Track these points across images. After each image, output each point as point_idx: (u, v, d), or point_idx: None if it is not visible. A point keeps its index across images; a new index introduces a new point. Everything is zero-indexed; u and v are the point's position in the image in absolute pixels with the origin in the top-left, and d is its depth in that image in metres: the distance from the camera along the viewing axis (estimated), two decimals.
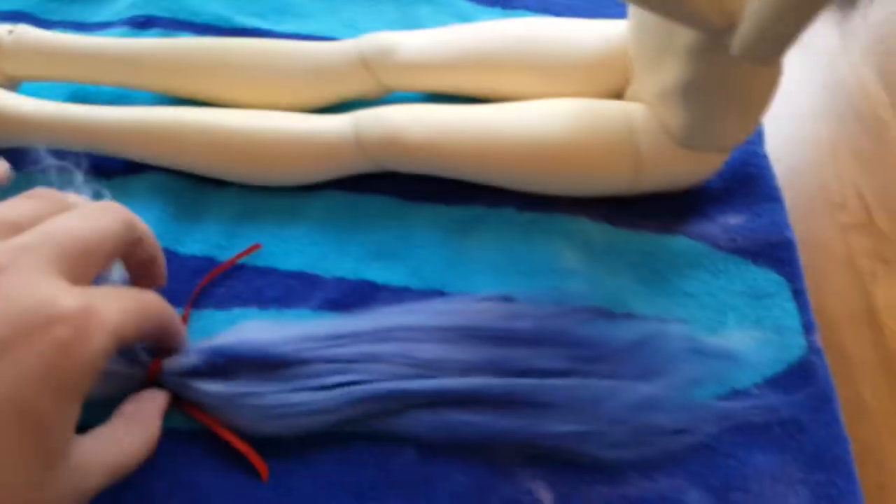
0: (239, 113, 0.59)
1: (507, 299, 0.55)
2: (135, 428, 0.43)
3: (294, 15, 0.74)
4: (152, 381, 0.48)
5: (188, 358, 0.48)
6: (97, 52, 0.61)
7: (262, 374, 0.48)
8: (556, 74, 0.64)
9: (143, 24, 0.70)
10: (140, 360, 0.48)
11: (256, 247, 0.57)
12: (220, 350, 0.48)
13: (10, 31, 0.60)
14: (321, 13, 0.74)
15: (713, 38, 0.47)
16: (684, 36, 0.50)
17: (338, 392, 0.48)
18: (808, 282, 0.59)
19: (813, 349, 0.53)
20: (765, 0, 0.42)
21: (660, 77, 0.56)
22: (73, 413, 0.35)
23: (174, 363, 0.47)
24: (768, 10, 0.42)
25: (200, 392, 0.47)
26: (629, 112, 0.58)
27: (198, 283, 0.55)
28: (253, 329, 0.50)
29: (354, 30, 0.73)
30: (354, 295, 0.56)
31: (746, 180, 0.64)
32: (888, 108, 0.74)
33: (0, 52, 0.60)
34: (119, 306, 0.38)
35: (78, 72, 0.62)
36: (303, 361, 0.49)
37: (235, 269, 0.57)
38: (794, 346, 0.54)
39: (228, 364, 0.47)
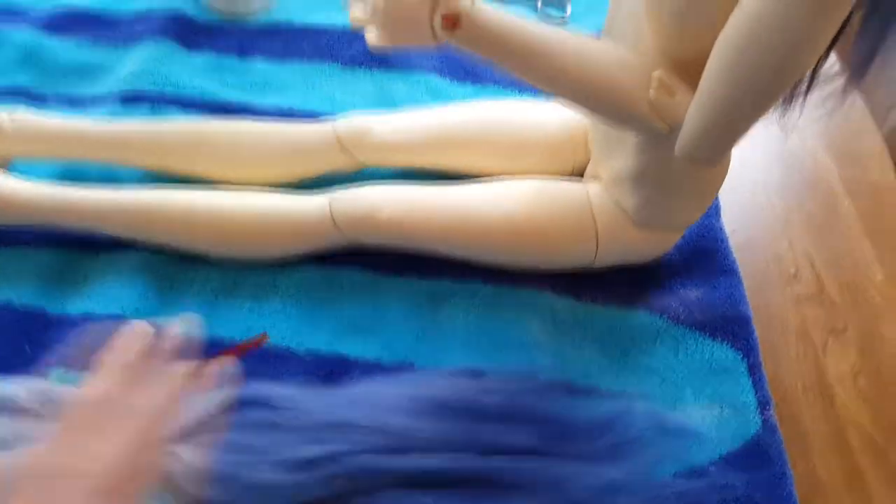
0: (220, 193, 0.62)
1: (476, 374, 0.57)
2: None
3: (275, 89, 0.77)
4: None
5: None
6: (89, 134, 0.64)
7: (240, 438, 0.50)
8: (519, 154, 0.67)
9: (132, 99, 0.73)
10: None
11: (264, 337, 0.59)
12: (203, 415, 0.50)
13: (11, 117, 0.64)
14: (302, 88, 0.78)
15: (656, 139, 0.51)
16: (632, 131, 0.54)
17: (310, 471, 0.49)
18: (763, 353, 0.62)
19: (768, 426, 0.56)
20: (702, 108, 0.45)
21: (613, 163, 0.59)
22: None
23: None
24: (706, 118, 0.45)
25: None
26: (588, 192, 0.62)
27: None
28: (231, 394, 0.52)
29: (332, 103, 0.76)
30: (328, 368, 0.58)
31: (703, 253, 0.67)
32: (837, 178, 0.78)
33: (2, 135, 0.63)
34: None
35: (72, 151, 0.65)
36: (276, 425, 0.51)
37: (216, 347, 0.59)
38: (750, 422, 0.56)
39: (209, 427, 0.50)
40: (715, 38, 0.44)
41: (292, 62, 0.80)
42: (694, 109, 0.46)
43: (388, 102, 0.77)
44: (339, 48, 0.81)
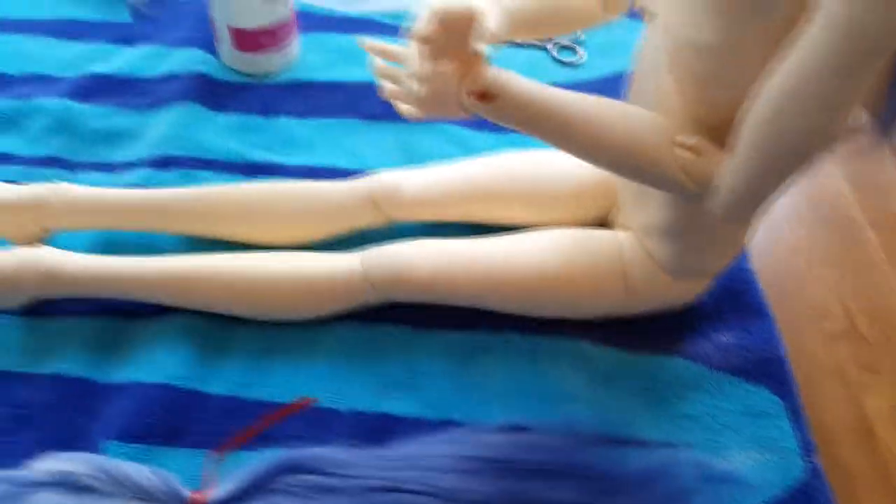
0: (254, 257, 0.63)
1: (519, 429, 0.58)
2: None
3: (302, 147, 0.79)
4: None
5: (225, 488, 0.51)
6: (129, 205, 0.65)
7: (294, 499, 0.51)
8: (546, 204, 0.68)
9: (163, 163, 0.75)
10: (181, 495, 0.51)
11: (310, 399, 0.60)
12: (255, 479, 0.51)
13: (55, 191, 0.65)
14: (326, 144, 0.79)
15: (687, 199, 0.52)
16: None
17: None
18: (802, 396, 0.62)
19: (813, 471, 0.56)
20: (737, 172, 0.46)
21: (643, 214, 0.60)
22: None
23: (214, 495, 0.51)
24: (741, 181, 0.46)
25: None
26: (619, 241, 0.63)
27: (230, 426, 0.58)
28: (283, 457, 0.54)
29: (357, 158, 0.78)
30: (372, 427, 0.59)
31: (734, 296, 0.68)
32: (859, 209, 0.79)
33: (47, 209, 0.64)
34: None
35: (112, 221, 0.66)
36: (330, 489, 0.52)
37: (260, 409, 0.60)
38: (794, 467, 0.56)
39: (262, 491, 0.51)
40: (740, 104, 0.45)
41: (315, 118, 0.82)
42: (728, 172, 0.47)
43: (411, 154, 0.79)
44: (359, 103, 0.83)
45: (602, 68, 0.89)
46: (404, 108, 0.56)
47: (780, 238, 0.76)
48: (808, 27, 0.40)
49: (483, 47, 0.43)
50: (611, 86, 0.87)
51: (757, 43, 0.44)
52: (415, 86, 0.46)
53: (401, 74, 0.54)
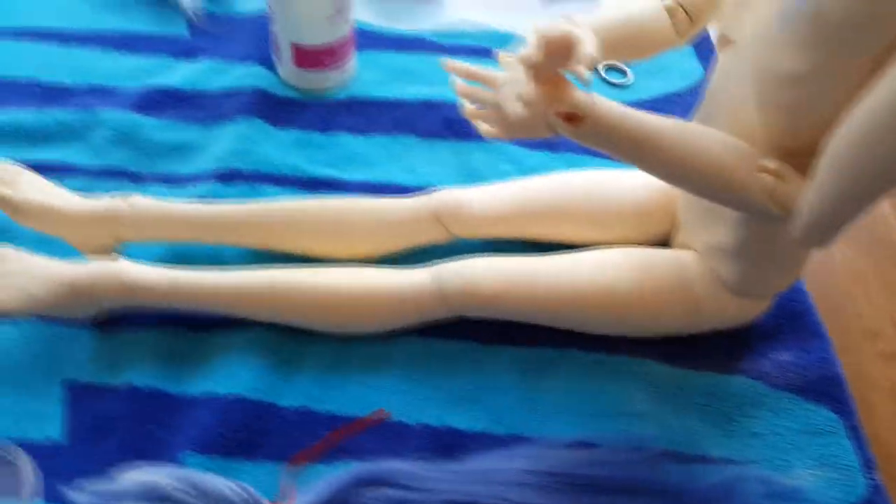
0: (330, 271, 0.65)
1: (587, 445, 0.59)
2: None
3: (361, 163, 0.80)
4: None
5: (305, 500, 0.53)
6: (200, 218, 0.67)
7: None
8: (607, 223, 0.70)
9: (228, 177, 0.77)
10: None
11: (383, 413, 0.61)
12: (334, 491, 0.53)
13: (129, 203, 0.67)
14: (385, 161, 0.81)
15: (767, 221, 0.53)
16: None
17: None
18: (859, 413, 0.63)
19: (874, 488, 0.57)
20: (822, 199, 0.47)
21: (710, 235, 0.62)
22: None
23: None
24: (825, 207, 0.47)
25: None
26: (683, 261, 0.64)
27: (303, 439, 0.59)
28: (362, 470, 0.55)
29: (415, 175, 0.80)
30: (441, 441, 0.60)
31: (792, 316, 0.69)
32: None
33: (120, 221, 0.66)
34: None
35: (183, 234, 0.67)
36: (408, 503, 0.53)
37: (332, 422, 0.61)
38: (857, 484, 0.58)
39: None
40: (824, 131, 0.46)
41: (373, 135, 0.83)
42: (812, 196, 0.48)
43: (466, 171, 0.80)
44: (416, 120, 0.85)
45: (650, 90, 0.91)
46: (485, 127, 0.57)
47: (831, 260, 0.77)
48: None
49: (583, 71, 0.45)
50: (659, 107, 0.89)
51: (845, 74, 0.45)
52: (511, 107, 0.47)
53: (485, 96, 0.56)
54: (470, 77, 0.57)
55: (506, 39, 0.98)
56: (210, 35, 0.93)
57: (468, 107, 0.58)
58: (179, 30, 0.94)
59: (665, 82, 0.92)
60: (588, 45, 0.46)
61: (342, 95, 0.87)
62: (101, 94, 0.85)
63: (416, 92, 0.88)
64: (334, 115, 0.85)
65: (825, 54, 0.45)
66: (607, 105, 0.50)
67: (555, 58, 0.48)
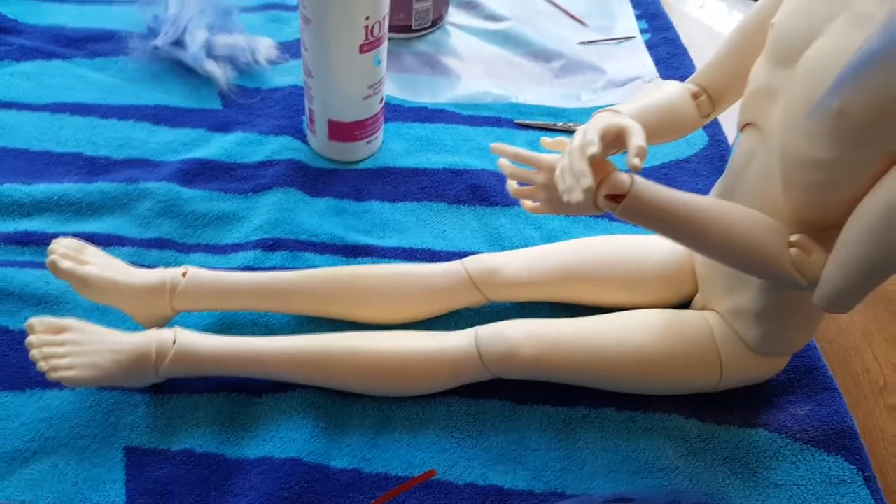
0: (373, 337, 0.69)
1: (625, 499, 0.63)
2: None
3: (394, 230, 0.85)
4: None
5: None
6: (252, 288, 0.71)
7: None
8: (633, 286, 0.75)
9: (271, 246, 0.81)
10: None
11: (431, 473, 0.65)
12: None
13: (184, 274, 0.71)
14: (416, 227, 0.86)
15: (793, 289, 0.59)
16: None
17: None
18: (873, 465, 0.68)
19: None
20: (843, 268, 0.53)
21: (733, 298, 0.67)
22: None
23: None
24: (846, 276, 0.53)
25: None
26: (709, 322, 0.69)
27: (356, 500, 0.62)
28: None
29: (445, 240, 0.85)
30: (486, 500, 0.64)
31: (804, 371, 0.74)
32: None
33: (178, 292, 0.69)
34: None
35: (236, 304, 0.71)
36: None
37: (381, 482, 0.64)
38: None
39: None
40: (849, 210, 0.52)
41: (403, 203, 0.89)
42: (835, 268, 0.53)
43: (494, 235, 0.86)
44: (443, 188, 0.90)
45: (660, 156, 0.98)
46: (531, 204, 0.63)
47: (839, 317, 0.83)
48: None
49: (638, 163, 0.50)
50: (668, 171, 0.96)
51: (868, 162, 0.50)
52: (574, 196, 0.53)
53: (533, 177, 0.61)
54: (517, 159, 0.62)
55: (520, 110, 1.05)
56: (242, 108, 0.99)
57: (514, 186, 0.64)
58: (213, 104, 0.99)
59: (673, 149, 0.99)
60: (639, 137, 0.52)
61: (371, 165, 0.93)
62: (143, 166, 0.90)
63: (440, 160, 0.93)
64: (366, 183, 0.90)
65: (849, 146, 0.51)
66: (648, 186, 0.56)
67: (608, 148, 0.54)
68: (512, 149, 0.63)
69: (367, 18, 0.78)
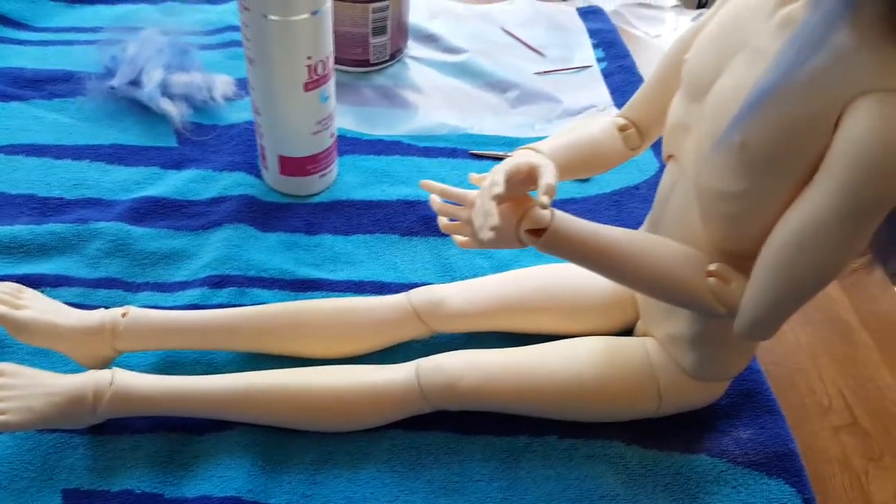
0: (316, 372, 0.69)
1: None
2: None
3: (345, 263, 0.86)
4: None
5: None
6: (194, 326, 0.71)
7: None
8: (576, 314, 0.76)
9: (218, 283, 0.81)
10: None
11: None
12: None
13: (124, 314, 0.71)
14: (367, 259, 0.87)
15: (715, 318, 0.59)
16: None
17: None
18: (814, 486, 0.68)
19: None
20: (757, 298, 0.54)
21: (670, 325, 0.68)
22: None
23: None
24: (760, 306, 0.54)
25: None
26: (647, 349, 0.70)
27: None
28: None
29: (398, 272, 0.85)
30: None
31: (747, 395, 0.75)
32: (850, 311, 0.88)
33: (118, 334, 0.70)
34: None
35: (178, 343, 0.71)
36: None
37: None
38: None
39: None
40: (764, 238, 0.53)
41: (355, 235, 0.89)
42: (751, 297, 0.54)
43: (445, 266, 0.86)
44: (396, 219, 0.91)
45: (611, 183, 0.99)
46: (461, 239, 0.64)
47: (785, 338, 0.83)
48: (819, 180, 0.48)
49: (545, 201, 0.52)
50: (619, 198, 0.98)
51: (775, 193, 0.52)
52: (483, 234, 0.54)
53: (458, 213, 0.62)
54: (444, 195, 0.63)
55: (476, 140, 1.07)
56: (197, 145, 1.00)
57: (444, 221, 0.65)
58: (169, 142, 1.00)
59: (624, 176, 1.00)
60: (548, 176, 0.53)
61: (325, 198, 0.94)
62: (95, 205, 0.90)
63: (394, 192, 0.95)
64: (319, 217, 0.91)
65: (755, 178, 0.52)
66: (568, 221, 0.57)
67: (519, 186, 0.55)
68: (439, 185, 0.64)
69: (309, 58, 0.80)
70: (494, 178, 0.55)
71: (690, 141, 0.59)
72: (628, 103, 0.71)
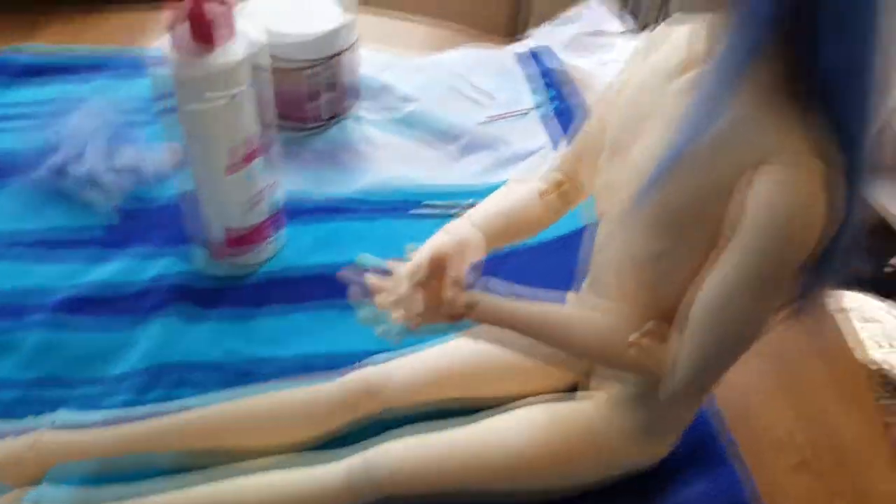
0: (244, 482, 0.66)
1: None
2: None
3: (291, 338, 0.83)
4: None
5: None
6: (119, 436, 0.69)
7: None
8: (522, 378, 0.75)
9: (156, 373, 0.78)
10: None
11: None
12: None
13: (31, 447, 0.68)
14: (314, 332, 0.84)
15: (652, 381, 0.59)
16: None
17: None
18: None
19: None
20: (684, 365, 0.54)
21: (618, 383, 0.67)
22: None
23: None
24: (688, 371, 0.54)
25: None
26: (587, 412, 0.68)
27: None
28: None
29: (344, 344, 0.82)
30: None
31: (700, 443, 0.74)
32: (799, 344, 0.87)
33: (33, 459, 0.67)
34: None
35: (105, 452, 0.69)
36: None
37: None
38: None
39: None
40: (680, 300, 0.53)
41: (302, 306, 0.88)
42: (676, 363, 0.54)
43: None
44: (344, 287, 0.89)
45: (560, 228, 0.98)
46: (397, 317, 0.63)
47: (739, 377, 0.83)
48: (731, 247, 0.49)
49: (449, 293, 0.53)
50: (569, 243, 0.96)
51: (690, 254, 0.53)
52: (408, 324, 0.54)
53: (389, 303, 0.61)
54: (371, 287, 0.62)
55: (425, 192, 1.05)
56: (127, 230, 0.96)
57: (379, 301, 0.63)
58: (95, 230, 0.95)
59: (574, 220, 0.99)
60: (454, 269, 0.56)
61: (272, 267, 0.92)
62: (27, 300, 0.86)
63: (342, 256, 0.91)
64: (259, 292, 0.89)
65: (669, 239, 0.53)
66: (491, 301, 0.58)
67: (439, 268, 0.57)
68: (373, 261, 0.63)
69: (229, 144, 0.79)
70: (417, 261, 0.57)
71: (616, 201, 0.59)
72: (562, 156, 0.71)
